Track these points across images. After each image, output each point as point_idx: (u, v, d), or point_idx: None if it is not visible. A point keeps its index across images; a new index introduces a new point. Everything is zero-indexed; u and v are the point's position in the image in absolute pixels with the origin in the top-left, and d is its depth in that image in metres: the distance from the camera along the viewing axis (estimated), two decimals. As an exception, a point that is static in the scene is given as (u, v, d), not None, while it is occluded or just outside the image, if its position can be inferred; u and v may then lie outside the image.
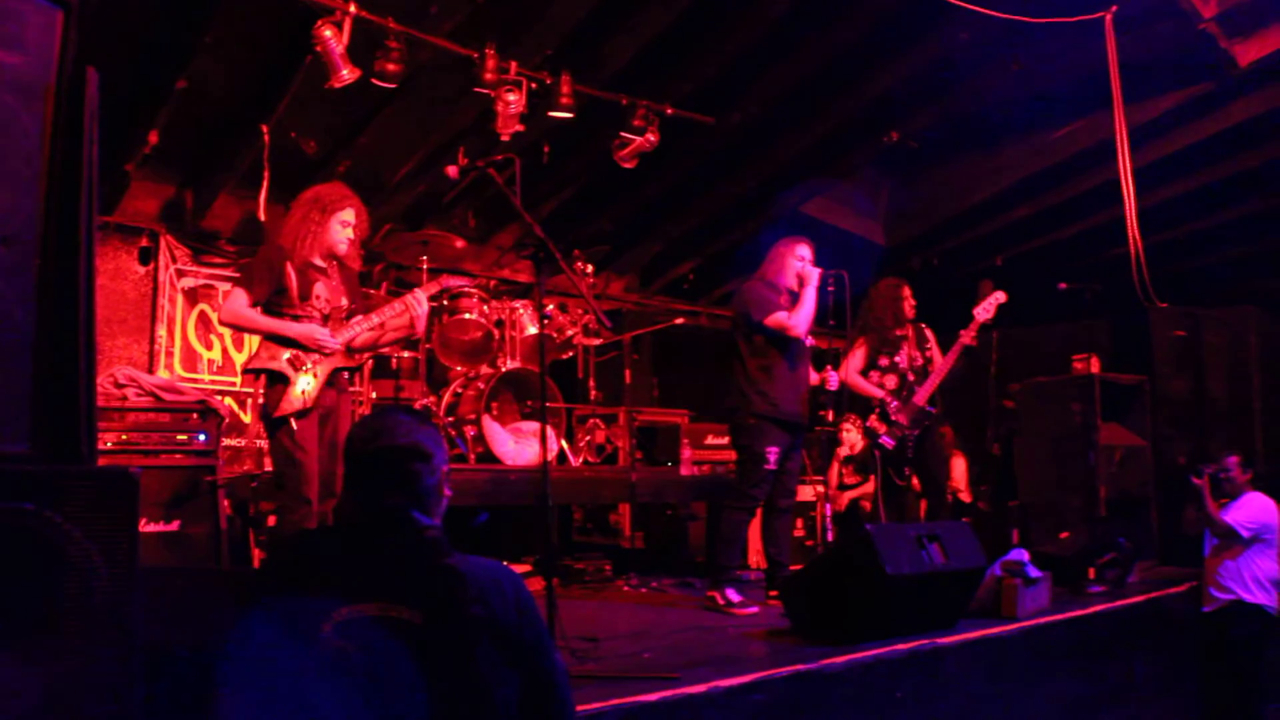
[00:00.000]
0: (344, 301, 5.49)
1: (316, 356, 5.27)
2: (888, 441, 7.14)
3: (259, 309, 5.23)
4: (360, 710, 2.26)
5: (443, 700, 2.29)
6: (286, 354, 5.23)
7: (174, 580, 3.74)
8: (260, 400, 5.39)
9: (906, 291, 7.37)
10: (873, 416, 7.24)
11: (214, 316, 8.98)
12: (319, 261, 5.39)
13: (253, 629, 2.46)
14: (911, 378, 7.21)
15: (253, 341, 5.88)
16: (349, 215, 5.45)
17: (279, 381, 5.20)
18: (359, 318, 5.49)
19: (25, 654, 2.87)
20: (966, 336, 7.09)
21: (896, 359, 7.26)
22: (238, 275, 5.63)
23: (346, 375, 5.56)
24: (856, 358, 7.35)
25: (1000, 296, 7.15)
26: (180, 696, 3.16)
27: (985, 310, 7.12)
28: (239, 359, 9.20)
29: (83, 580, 2.96)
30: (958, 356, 7.14)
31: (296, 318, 5.27)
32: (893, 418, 7.14)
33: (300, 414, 5.17)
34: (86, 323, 3.32)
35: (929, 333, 7.47)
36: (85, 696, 2.95)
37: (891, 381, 7.23)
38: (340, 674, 2.28)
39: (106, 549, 3.01)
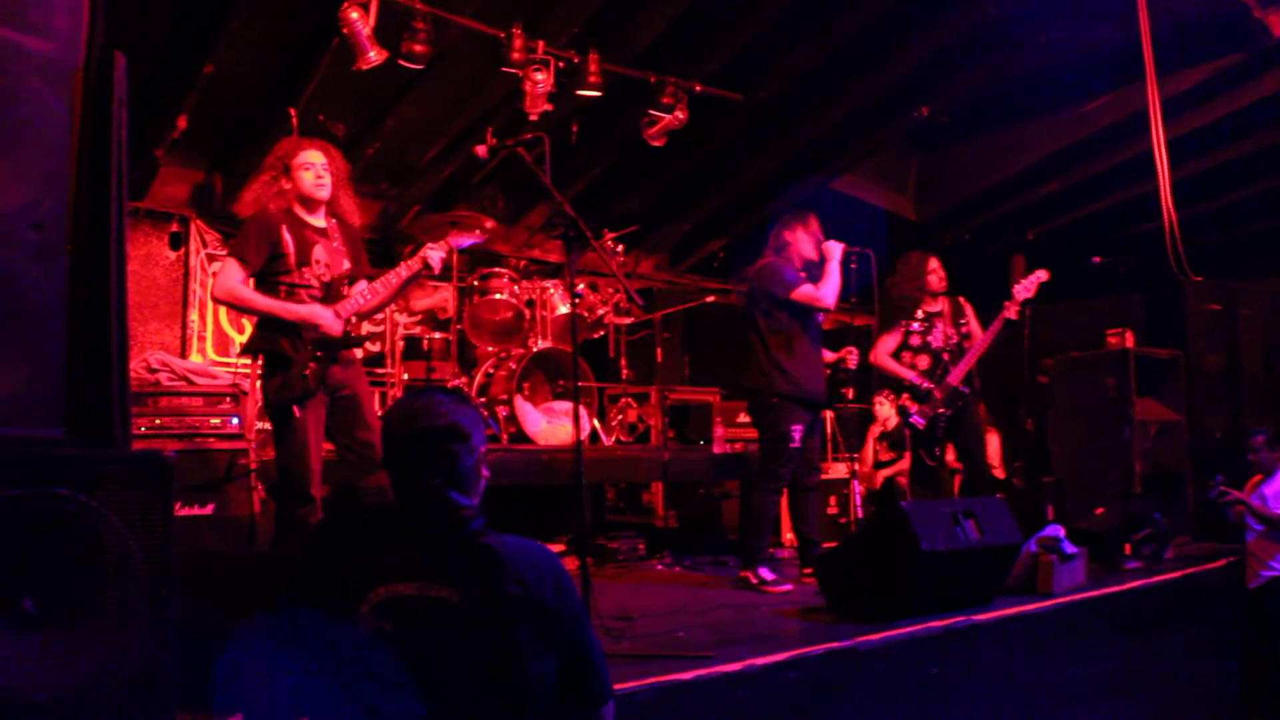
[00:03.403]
0: (346, 265, 5.20)
1: (319, 335, 4.96)
2: (918, 421, 7.10)
3: (254, 282, 4.95)
4: (399, 690, 2.26)
5: (481, 679, 2.30)
6: (286, 333, 4.92)
7: (210, 564, 3.76)
8: (259, 383, 5.17)
9: (933, 264, 7.29)
10: (906, 395, 7.20)
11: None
12: (315, 221, 5.13)
13: (291, 610, 2.47)
14: (946, 357, 7.15)
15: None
16: (312, 156, 5.10)
17: (279, 364, 4.91)
18: (363, 284, 5.22)
19: (62, 638, 2.89)
20: (1010, 310, 7.02)
21: (929, 338, 7.20)
22: (230, 246, 5.26)
23: (358, 352, 5.29)
24: (888, 339, 7.29)
25: (1042, 275, 7.06)
26: (217, 680, 3.17)
27: (1026, 289, 7.04)
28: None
29: (118, 564, 2.98)
30: (995, 334, 7.08)
31: (293, 287, 4.98)
32: (926, 397, 7.09)
33: (301, 399, 4.89)
34: (118, 307, 3.33)
35: (967, 307, 7.39)
36: (121, 680, 2.96)
37: (924, 362, 7.16)
38: (379, 654, 2.28)
39: (141, 533, 3.02)
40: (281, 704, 2.51)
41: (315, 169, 5.10)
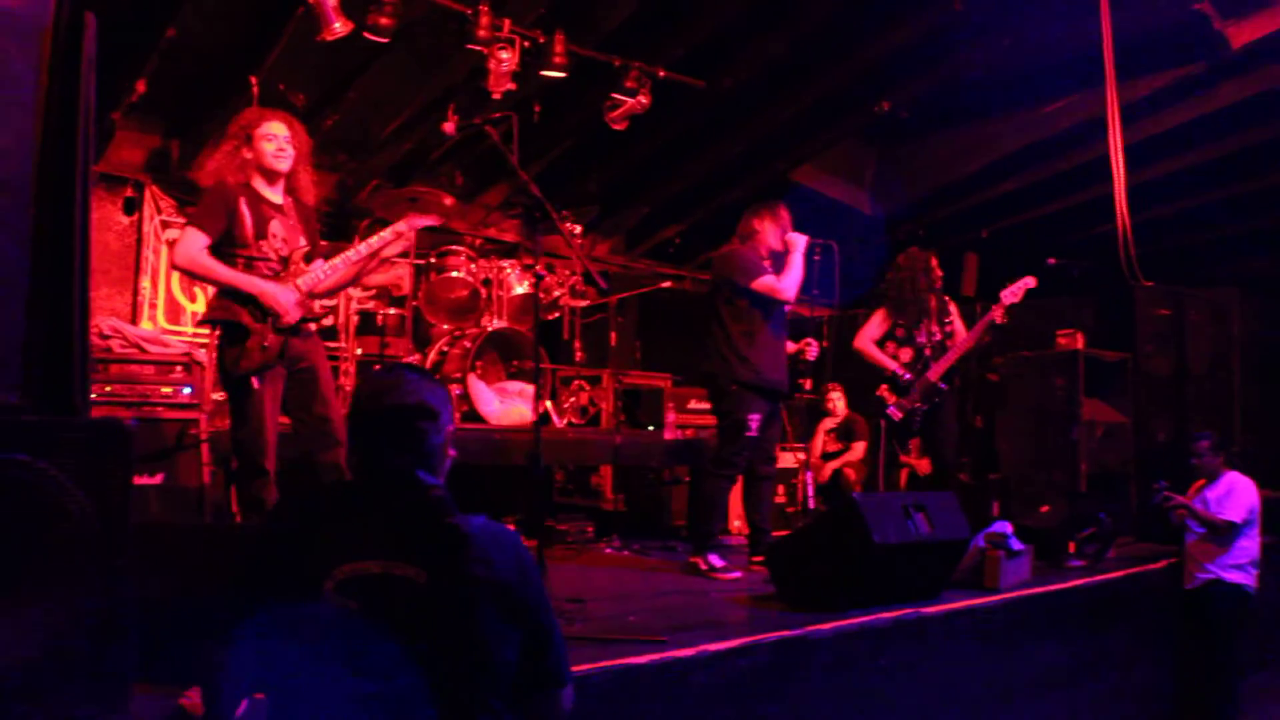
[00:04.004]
0: (302, 241, 5.15)
1: (272, 314, 4.89)
2: (895, 413, 7.16)
3: (211, 253, 4.86)
4: (361, 667, 2.25)
5: (444, 658, 2.29)
6: (245, 304, 4.87)
7: (165, 534, 3.73)
8: (215, 353, 5.10)
9: (934, 263, 7.37)
10: (884, 386, 7.26)
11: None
12: (272, 196, 5.08)
13: (254, 584, 2.45)
14: (928, 353, 7.21)
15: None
16: (275, 128, 5.05)
17: (237, 334, 4.86)
18: (320, 262, 5.17)
19: (18, 604, 2.86)
20: (996, 313, 7.09)
21: (914, 332, 7.27)
22: (189, 215, 5.19)
23: (313, 326, 5.21)
24: (873, 326, 7.36)
25: (1030, 282, 7.17)
26: (173, 649, 3.15)
27: (1013, 294, 7.14)
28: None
29: (76, 532, 2.95)
30: (979, 336, 7.17)
31: (251, 260, 4.92)
32: (905, 390, 7.14)
33: (260, 370, 4.86)
34: (81, 272, 3.30)
35: (952, 306, 7.47)
36: (78, 649, 2.94)
37: (906, 354, 7.23)
38: (341, 631, 2.28)
39: (100, 501, 3.00)
40: (240, 678, 2.50)
41: (278, 140, 5.06)
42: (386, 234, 5.24)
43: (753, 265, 6.51)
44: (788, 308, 6.60)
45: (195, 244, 4.84)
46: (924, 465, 8.69)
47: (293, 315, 4.96)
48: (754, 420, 6.42)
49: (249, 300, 4.88)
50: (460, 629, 2.31)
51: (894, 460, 7.52)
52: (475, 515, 2.44)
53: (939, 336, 7.29)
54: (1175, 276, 9.93)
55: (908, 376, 7.17)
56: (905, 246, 7.85)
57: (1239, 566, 7.27)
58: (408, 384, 2.50)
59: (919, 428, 7.27)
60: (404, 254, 6.72)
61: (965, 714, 5.53)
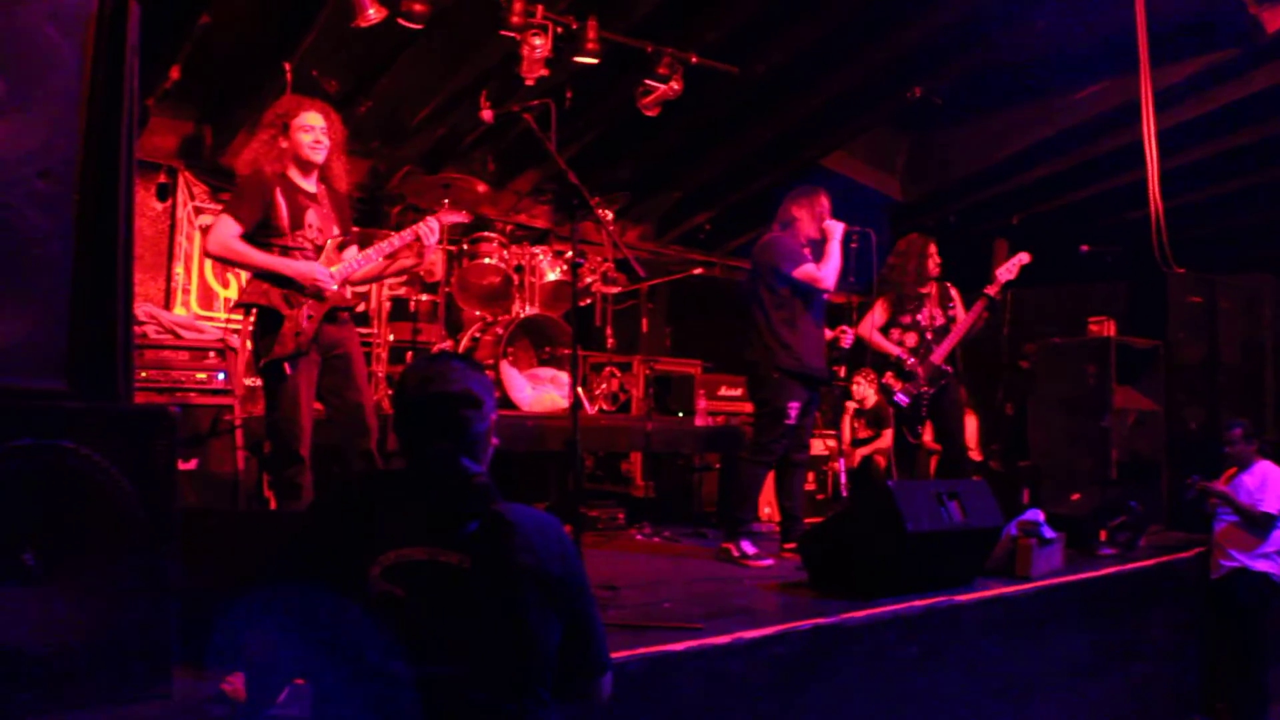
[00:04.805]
0: (336, 231, 5.21)
1: (310, 290, 4.97)
2: (902, 399, 7.15)
3: (246, 241, 4.91)
4: (407, 653, 2.27)
5: (489, 644, 2.31)
6: (281, 289, 4.93)
7: (207, 520, 3.76)
8: (250, 339, 5.13)
9: (933, 249, 7.35)
10: (889, 373, 7.25)
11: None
12: (307, 185, 5.14)
13: (298, 570, 2.47)
14: (930, 336, 7.20)
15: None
16: (312, 119, 5.11)
17: (271, 320, 4.90)
18: (354, 250, 5.26)
19: (62, 592, 2.89)
20: (991, 290, 7.09)
21: (918, 317, 7.25)
22: (224, 202, 5.26)
23: (347, 314, 5.25)
24: (877, 314, 7.34)
25: (1024, 257, 7.15)
26: (215, 635, 3.18)
27: (1009, 271, 7.13)
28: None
29: (120, 519, 2.98)
30: (977, 316, 7.15)
31: (287, 249, 4.97)
32: (910, 375, 7.14)
33: (294, 356, 4.89)
34: (125, 259, 3.33)
35: (954, 291, 7.45)
36: (121, 634, 2.98)
37: (911, 339, 7.22)
38: (387, 617, 2.29)
39: (143, 486, 3.03)
40: (282, 664, 2.52)
41: (315, 132, 5.11)
42: (406, 234, 5.31)
43: (794, 253, 6.49)
44: (825, 295, 6.59)
45: (228, 231, 4.88)
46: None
47: (330, 286, 5.01)
48: (794, 408, 6.42)
49: (285, 284, 4.92)
50: (505, 616, 2.32)
51: (907, 447, 7.48)
52: (518, 504, 2.46)
53: (941, 321, 7.29)
54: (1208, 263, 9.86)
55: (912, 361, 7.16)
56: (936, 233, 7.83)
57: (1266, 556, 7.25)
58: (453, 372, 2.51)
59: (927, 412, 7.25)
60: (438, 240, 6.73)
61: (997, 701, 5.53)
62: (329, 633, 2.36)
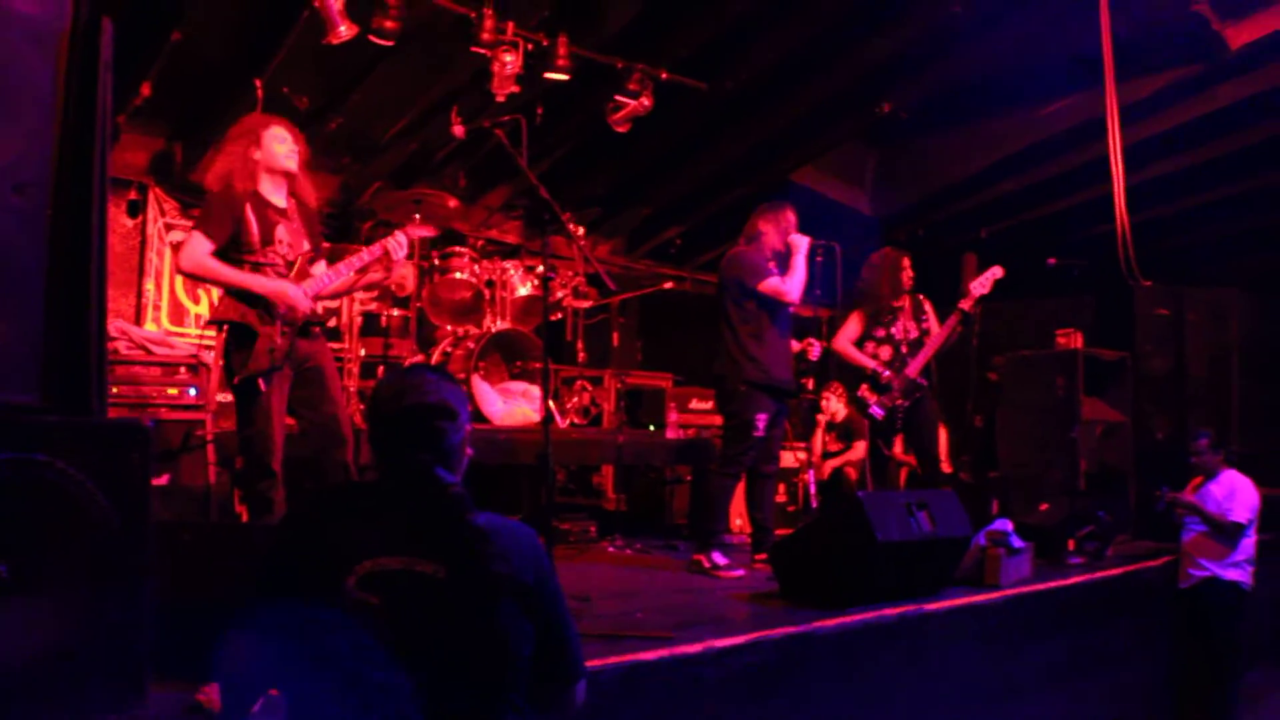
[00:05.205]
0: (306, 246, 5.19)
1: (285, 310, 4.94)
2: (877, 411, 7.19)
3: (218, 258, 4.88)
4: (382, 663, 2.29)
5: (465, 653, 2.33)
6: (254, 307, 4.90)
7: (181, 534, 3.76)
8: (222, 355, 5.11)
9: (906, 263, 7.41)
10: (864, 386, 7.28)
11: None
12: (277, 200, 5.11)
13: (274, 581, 2.49)
14: (905, 350, 7.25)
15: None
16: (281, 131, 5.12)
17: (245, 336, 4.88)
18: (322, 265, 5.26)
19: (38, 602, 2.90)
20: (965, 304, 7.15)
21: (892, 330, 7.30)
22: (194, 218, 5.22)
23: (318, 329, 5.24)
24: (851, 327, 7.38)
25: (998, 271, 7.21)
26: (189, 646, 3.19)
27: (982, 285, 7.18)
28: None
29: (95, 530, 2.99)
30: (951, 329, 7.21)
31: (258, 265, 4.96)
32: (885, 388, 7.18)
33: (269, 372, 4.88)
34: (98, 274, 3.35)
35: (927, 304, 7.50)
36: (96, 644, 2.98)
37: (885, 353, 7.26)
38: (362, 627, 2.31)
39: (118, 500, 3.04)
40: (257, 674, 2.53)
41: (288, 142, 5.13)
42: (375, 249, 5.30)
43: (758, 267, 6.55)
44: (791, 308, 6.64)
45: (201, 249, 4.87)
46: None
47: (304, 307, 5.00)
48: (761, 420, 6.47)
49: (258, 301, 4.91)
50: (480, 624, 2.34)
51: (882, 459, 7.55)
52: (492, 513, 2.49)
53: (915, 334, 7.34)
54: (1174, 276, 9.97)
55: (887, 374, 7.21)
56: (906, 247, 7.89)
57: (1236, 564, 7.32)
58: (428, 384, 2.54)
59: (901, 425, 7.31)
60: (408, 256, 6.76)
61: (967, 710, 5.57)
62: (304, 643, 2.38)
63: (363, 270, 5.36)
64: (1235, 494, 7.35)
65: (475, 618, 2.34)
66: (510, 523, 2.51)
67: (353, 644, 2.32)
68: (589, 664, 3.55)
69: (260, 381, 4.87)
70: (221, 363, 5.20)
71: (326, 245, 5.51)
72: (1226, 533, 7.29)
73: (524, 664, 2.44)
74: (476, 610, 2.34)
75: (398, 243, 5.29)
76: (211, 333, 6.15)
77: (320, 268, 5.25)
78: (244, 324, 4.89)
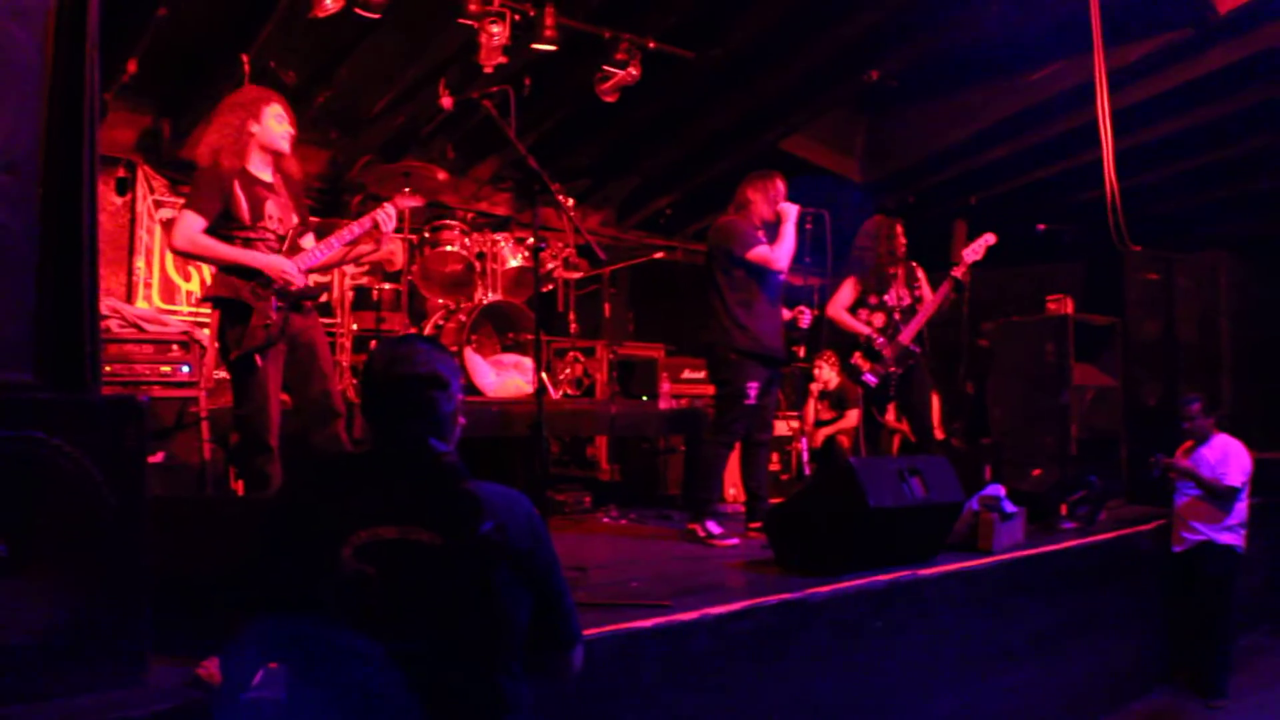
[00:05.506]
0: (295, 219, 5.20)
1: (278, 284, 4.95)
2: (870, 379, 7.20)
3: (210, 234, 4.87)
4: (380, 631, 2.31)
5: (462, 620, 2.36)
6: (248, 282, 4.90)
7: (178, 508, 3.78)
8: (217, 333, 5.10)
9: (899, 230, 7.40)
10: (857, 353, 7.29)
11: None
12: (265, 176, 5.11)
13: (271, 553, 2.51)
14: (898, 317, 7.26)
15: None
16: (280, 110, 5.14)
17: (239, 313, 4.89)
18: (311, 238, 5.25)
19: (36, 582, 2.91)
20: (958, 271, 7.16)
21: (885, 298, 7.30)
22: (184, 196, 5.17)
23: (310, 303, 5.23)
24: (844, 294, 7.38)
25: (990, 238, 7.22)
26: (189, 622, 3.21)
27: (974, 252, 7.19)
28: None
29: (91, 507, 3.01)
30: (944, 297, 7.22)
31: (249, 241, 4.94)
32: (878, 356, 7.20)
33: (264, 348, 4.88)
34: (90, 250, 3.34)
35: (919, 271, 7.49)
36: (96, 624, 3.00)
37: (879, 320, 7.27)
38: (360, 597, 2.34)
39: (114, 476, 3.05)
40: (257, 646, 2.55)
41: (284, 121, 5.15)
42: (365, 221, 5.29)
43: (747, 235, 6.55)
44: (781, 276, 6.65)
45: (193, 226, 4.85)
46: (912, 430, 8.78)
47: (298, 280, 5.01)
48: (753, 388, 6.49)
49: (252, 276, 4.91)
50: (476, 592, 2.37)
51: (876, 427, 7.57)
52: (486, 481, 2.51)
53: (908, 301, 7.34)
54: (1163, 241, 9.99)
55: (880, 341, 7.22)
56: (896, 214, 7.89)
57: (1230, 528, 7.35)
58: (419, 354, 2.56)
59: (895, 392, 7.32)
60: (398, 229, 6.75)
61: (961, 674, 5.61)
62: (303, 614, 2.40)
63: (353, 243, 5.35)
64: (1228, 458, 7.37)
65: (471, 585, 2.36)
66: (504, 490, 2.53)
67: (351, 615, 2.34)
68: (585, 633, 3.59)
69: (257, 357, 4.88)
70: (217, 341, 5.16)
71: (315, 220, 5.49)
72: (1221, 497, 7.31)
73: (520, 630, 2.47)
74: (472, 577, 2.36)
75: (387, 215, 5.28)
76: (204, 310, 6.16)
77: (309, 240, 5.25)
78: (238, 300, 4.89)
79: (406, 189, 7.36)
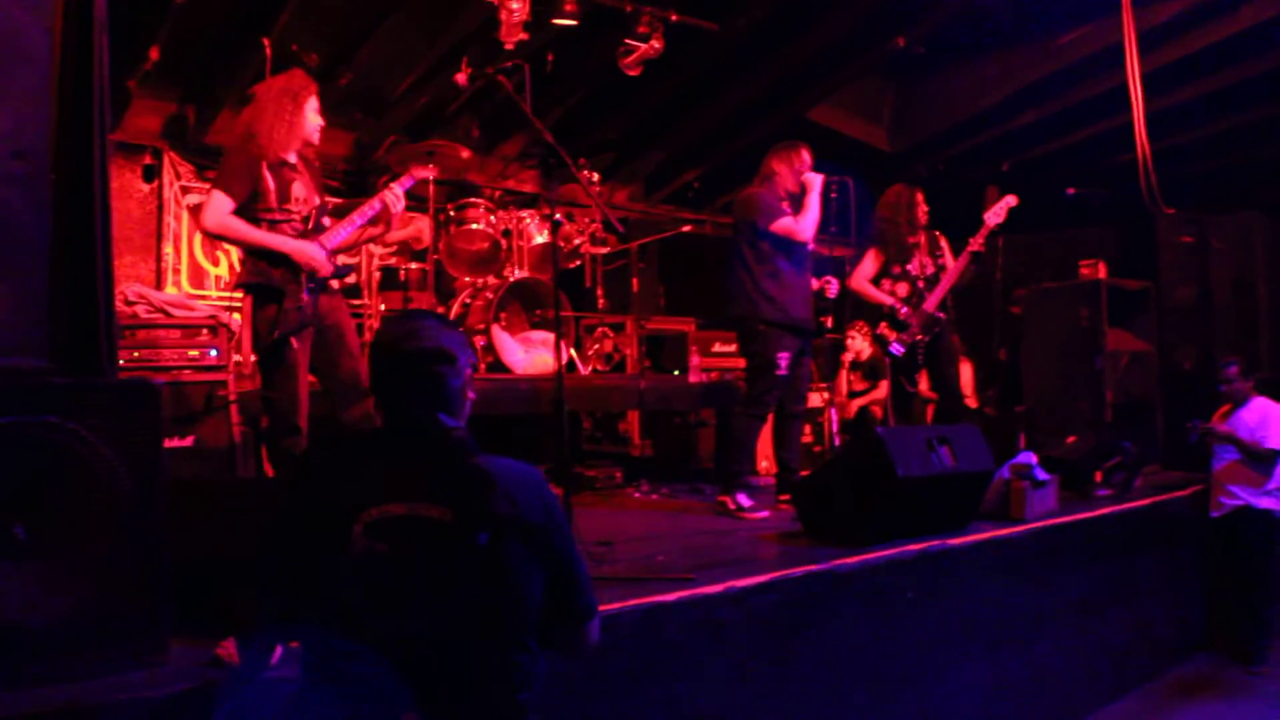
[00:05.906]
0: (317, 200, 5.26)
1: (307, 268, 4.98)
2: (897, 349, 7.15)
3: (238, 216, 4.91)
4: (393, 608, 2.31)
5: (475, 596, 2.35)
6: (276, 266, 4.95)
7: (197, 491, 3.79)
8: (249, 318, 5.12)
9: (920, 198, 7.33)
10: (883, 324, 7.24)
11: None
12: (290, 158, 5.14)
13: (284, 532, 2.51)
14: (922, 285, 7.20)
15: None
16: (317, 103, 5.23)
17: (271, 297, 4.94)
18: (330, 221, 5.26)
19: (55, 565, 2.93)
20: (976, 242, 7.09)
21: (908, 267, 7.24)
22: (214, 177, 5.20)
23: (337, 283, 5.27)
24: (867, 265, 7.33)
25: (1011, 200, 7.14)
26: (207, 604, 3.22)
27: (996, 215, 7.12)
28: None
29: (109, 492, 3.01)
30: (968, 262, 7.15)
31: (275, 223, 4.98)
32: (903, 325, 7.14)
33: (298, 330, 4.94)
34: (103, 235, 3.33)
35: (942, 240, 7.43)
36: (115, 606, 3.01)
37: (903, 289, 7.21)
38: (373, 574, 2.33)
39: (130, 460, 3.05)
40: (274, 625, 2.55)
41: (318, 116, 5.22)
42: (375, 202, 5.32)
43: (771, 207, 6.51)
44: (809, 247, 6.61)
45: (223, 207, 4.88)
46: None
47: (326, 268, 5.05)
48: (783, 359, 6.45)
49: (281, 261, 4.94)
50: (489, 567, 2.35)
51: (906, 397, 7.51)
52: (497, 456, 2.49)
53: (931, 269, 7.27)
54: (1197, 203, 9.85)
55: (905, 310, 7.16)
56: (924, 183, 7.82)
57: (1269, 492, 7.27)
58: (425, 329, 2.54)
59: (923, 360, 7.26)
60: (419, 207, 6.74)
61: (995, 642, 5.58)
62: (319, 593, 2.40)
63: (373, 221, 5.36)
64: (1268, 421, 7.29)
65: (483, 561, 2.35)
66: (515, 464, 2.51)
67: (365, 592, 2.34)
68: (608, 607, 3.59)
69: (293, 340, 4.93)
70: (250, 327, 5.18)
71: (334, 201, 5.51)
72: (1261, 460, 7.23)
73: (534, 605, 2.46)
74: (484, 553, 2.35)
75: (394, 195, 5.31)
76: (239, 296, 6.17)
77: (327, 221, 5.28)
78: (269, 285, 4.94)
79: (423, 163, 7.36)
